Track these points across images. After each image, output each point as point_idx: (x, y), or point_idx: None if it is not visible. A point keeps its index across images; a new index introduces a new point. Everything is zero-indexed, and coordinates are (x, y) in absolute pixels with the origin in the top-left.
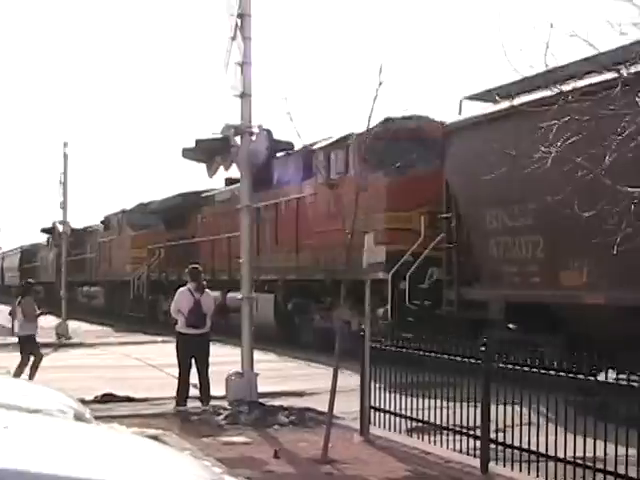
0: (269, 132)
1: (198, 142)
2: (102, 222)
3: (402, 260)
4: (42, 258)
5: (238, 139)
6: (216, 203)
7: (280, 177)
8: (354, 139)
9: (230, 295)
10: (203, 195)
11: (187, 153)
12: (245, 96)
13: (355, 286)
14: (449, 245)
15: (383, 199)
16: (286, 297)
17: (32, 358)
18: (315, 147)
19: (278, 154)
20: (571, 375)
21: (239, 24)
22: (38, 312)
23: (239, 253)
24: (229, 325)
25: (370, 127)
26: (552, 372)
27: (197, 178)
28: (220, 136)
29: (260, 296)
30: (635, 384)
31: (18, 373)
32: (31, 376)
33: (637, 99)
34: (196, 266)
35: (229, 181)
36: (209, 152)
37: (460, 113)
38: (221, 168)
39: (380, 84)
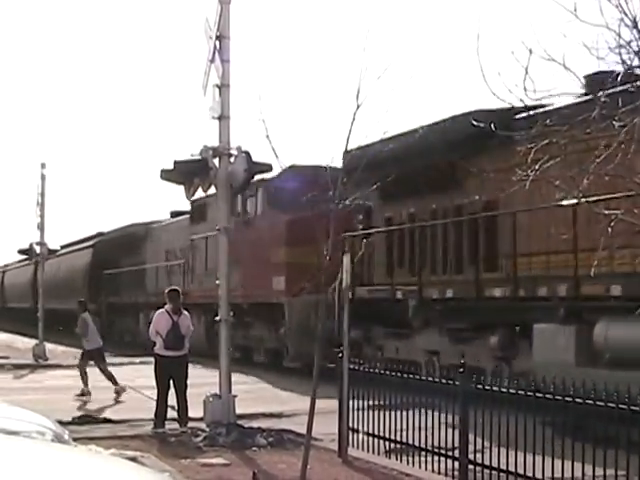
0: (248, 154)
1: (176, 164)
2: None
3: None
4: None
5: (216, 161)
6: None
7: None
8: None
9: None
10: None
11: (165, 174)
12: (223, 118)
13: None
14: None
15: None
16: None
17: None
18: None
19: None
20: (548, 396)
21: (217, 46)
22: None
23: None
24: None
25: None
26: (529, 393)
27: (176, 200)
28: (198, 158)
29: None
30: (612, 405)
31: None
32: None
33: (613, 122)
34: (175, 288)
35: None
36: (187, 174)
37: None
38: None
39: (358, 107)
